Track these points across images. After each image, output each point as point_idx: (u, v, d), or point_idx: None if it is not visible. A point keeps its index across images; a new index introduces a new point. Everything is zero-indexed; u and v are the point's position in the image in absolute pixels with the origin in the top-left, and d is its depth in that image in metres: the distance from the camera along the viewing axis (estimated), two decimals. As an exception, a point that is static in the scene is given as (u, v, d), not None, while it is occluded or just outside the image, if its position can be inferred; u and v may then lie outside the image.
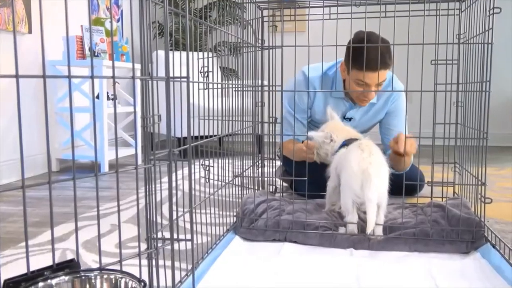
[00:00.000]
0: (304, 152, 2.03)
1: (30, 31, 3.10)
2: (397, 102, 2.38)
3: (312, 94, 2.31)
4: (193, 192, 2.36)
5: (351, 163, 1.68)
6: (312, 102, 2.33)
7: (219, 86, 2.04)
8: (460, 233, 1.65)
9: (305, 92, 2.26)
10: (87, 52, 3.30)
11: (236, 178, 2.05)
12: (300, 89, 2.27)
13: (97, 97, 3.30)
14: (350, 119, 2.38)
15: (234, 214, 1.93)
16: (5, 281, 0.87)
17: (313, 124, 2.40)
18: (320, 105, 2.34)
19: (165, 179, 1.13)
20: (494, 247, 1.60)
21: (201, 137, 1.52)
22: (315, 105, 2.35)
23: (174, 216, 1.16)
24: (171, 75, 1.09)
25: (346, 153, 1.78)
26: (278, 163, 2.73)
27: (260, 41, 2.17)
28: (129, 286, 0.97)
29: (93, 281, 0.97)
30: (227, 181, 1.94)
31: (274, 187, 2.40)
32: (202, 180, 2.73)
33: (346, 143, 1.87)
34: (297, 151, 2.16)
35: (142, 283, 0.95)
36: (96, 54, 3.32)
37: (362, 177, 1.63)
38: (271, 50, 2.01)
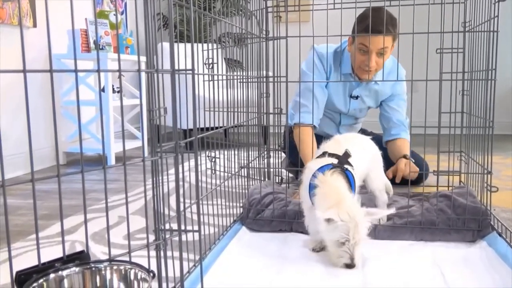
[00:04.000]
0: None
1: (35, 25, 3.11)
2: (399, 86, 2.39)
3: (328, 69, 2.32)
4: (199, 184, 2.37)
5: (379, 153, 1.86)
6: (328, 77, 2.35)
7: (224, 77, 2.05)
8: (466, 221, 1.66)
9: (321, 68, 2.31)
10: (91, 45, 3.31)
11: (242, 169, 2.05)
12: (317, 64, 2.30)
13: (103, 90, 3.31)
14: (356, 97, 2.38)
15: (241, 205, 1.94)
16: (17, 272, 0.88)
17: (328, 108, 2.42)
18: (333, 83, 2.36)
19: (172, 171, 1.14)
20: (500, 235, 1.60)
21: (207, 129, 1.53)
22: (329, 85, 2.36)
23: (182, 208, 1.17)
24: (176, 67, 1.09)
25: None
26: (284, 154, 2.74)
27: (264, 32, 2.17)
28: (138, 277, 0.98)
29: (103, 272, 0.98)
30: (233, 172, 1.95)
31: (280, 177, 2.41)
32: (209, 172, 2.74)
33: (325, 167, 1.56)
34: (302, 148, 2.18)
35: (151, 274, 0.96)
36: (100, 47, 3.33)
37: None
38: (275, 41, 2.01)
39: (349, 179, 1.54)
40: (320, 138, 1.99)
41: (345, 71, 2.32)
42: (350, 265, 1.41)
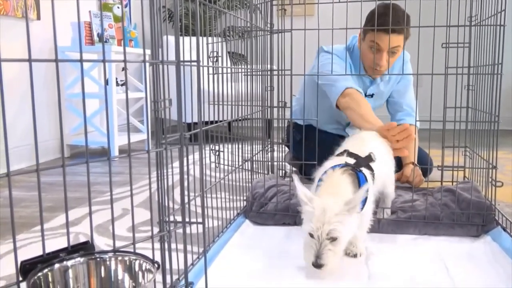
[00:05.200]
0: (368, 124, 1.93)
1: (38, 18, 3.10)
2: (405, 68, 2.34)
3: (347, 66, 2.20)
4: (203, 177, 2.37)
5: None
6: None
7: (229, 70, 2.04)
8: (471, 216, 1.65)
9: (343, 61, 2.18)
10: (95, 38, 3.30)
11: (246, 163, 2.05)
12: (339, 62, 2.17)
13: (106, 82, 3.30)
14: (372, 96, 2.35)
15: (244, 198, 1.94)
16: (21, 262, 0.88)
17: None
18: None
19: (176, 164, 1.14)
20: (505, 230, 1.60)
21: (211, 122, 1.53)
22: None
23: (186, 200, 1.17)
24: (181, 59, 1.09)
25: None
26: (287, 148, 2.74)
27: (269, 25, 2.16)
28: (143, 267, 0.98)
29: (107, 262, 0.98)
30: (237, 165, 1.95)
31: (283, 171, 2.40)
32: (213, 165, 2.74)
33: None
34: (365, 113, 2.02)
35: (156, 265, 0.96)
36: (104, 40, 3.32)
37: None
38: (280, 34, 2.00)
39: (360, 182, 1.39)
40: (323, 134, 1.97)
41: (357, 73, 2.29)
42: (314, 264, 1.24)
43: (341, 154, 1.54)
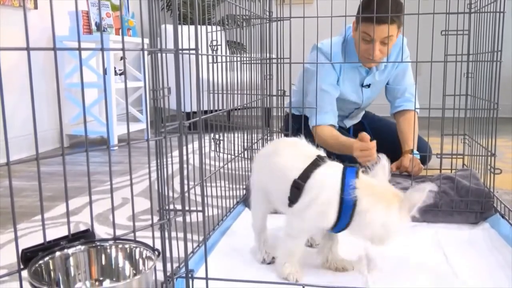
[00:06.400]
0: (346, 148, 2.02)
1: (36, 7, 3.08)
2: (404, 54, 2.32)
3: (337, 67, 2.22)
4: (203, 166, 2.37)
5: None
6: (339, 74, 2.27)
7: (227, 59, 2.03)
8: (469, 203, 1.66)
9: (331, 66, 2.19)
10: (93, 27, 3.29)
11: (246, 151, 2.05)
12: (325, 65, 2.18)
13: (105, 72, 3.29)
14: (368, 86, 2.33)
15: (244, 187, 1.94)
16: (23, 250, 0.89)
17: (340, 101, 2.32)
18: (345, 76, 2.30)
19: (175, 153, 1.14)
20: (503, 217, 1.60)
21: (210, 111, 1.53)
22: (342, 79, 2.29)
23: (186, 188, 1.17)
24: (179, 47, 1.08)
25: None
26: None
27: (268, 13, 2.15)
28: (144, 255, 0.98)
29: (108, 250, 0.99)
30: (236, 154, 1.95)
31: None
32: (212, 154, 2.75)
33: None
34: (336, 143, 2.13)
35: (156, 252, 0.97)
36: (102, 29, 3.30)
37: None
38: (279, 22, 1.99)
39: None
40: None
41: (353, 63, 2.26)
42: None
43: (318, 161, 1.25)
